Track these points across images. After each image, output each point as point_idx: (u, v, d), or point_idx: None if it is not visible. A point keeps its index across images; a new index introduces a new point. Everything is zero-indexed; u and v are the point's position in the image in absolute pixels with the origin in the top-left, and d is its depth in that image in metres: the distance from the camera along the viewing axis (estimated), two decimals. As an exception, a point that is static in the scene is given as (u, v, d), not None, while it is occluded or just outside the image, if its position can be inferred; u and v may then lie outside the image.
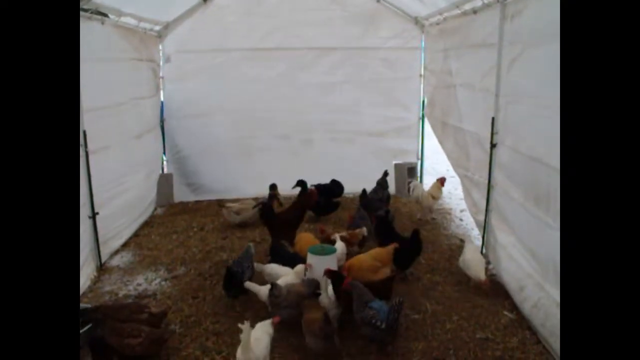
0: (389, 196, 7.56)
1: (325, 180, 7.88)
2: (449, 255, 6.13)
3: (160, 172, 8.55)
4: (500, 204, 5.35)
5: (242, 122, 8.60)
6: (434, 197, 7.48)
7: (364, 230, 5.88)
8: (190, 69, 8.32)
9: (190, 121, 8.48)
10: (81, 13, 5.17)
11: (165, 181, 8.42)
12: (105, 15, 5.94)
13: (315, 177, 7.81)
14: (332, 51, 8.55)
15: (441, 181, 7.51)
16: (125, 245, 6.54)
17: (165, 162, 8.68)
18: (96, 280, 5.49)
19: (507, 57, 5.01)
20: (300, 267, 4.87)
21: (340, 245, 5.47)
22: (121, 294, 5.21)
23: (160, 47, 8.15)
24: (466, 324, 4.55)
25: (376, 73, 8.66)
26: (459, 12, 6.29)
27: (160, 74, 8.23)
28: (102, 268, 5.77)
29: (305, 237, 5.80)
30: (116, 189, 6.34)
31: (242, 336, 3.64)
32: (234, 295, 4.83)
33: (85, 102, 5.24)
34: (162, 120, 8.41)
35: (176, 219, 7.71)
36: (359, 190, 7.53)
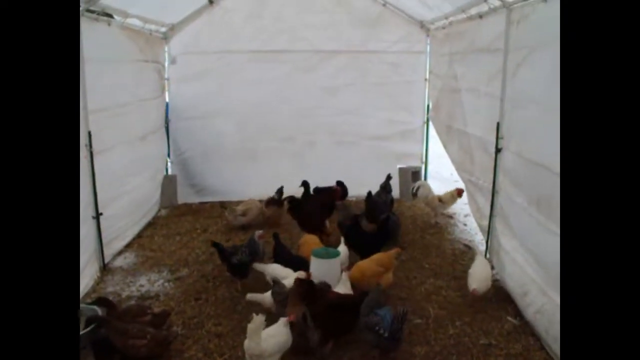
0: (392, 200, 7.55)
1: (329, 182, 7.86)
2: (452, 260, 6.11)
3: (165, 173, 8.56)
4: (505, 209, 5.33)
5: (247, 124, 8.60)
6: (441, 200, 7.43)
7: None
8: (195, 70, 8.33)
9: (194, 122, 8.50)
10: (88, 14, 5.20)
11: (169, 182, 8.43)
12: (112, 16, 5.97)
13: (319, 180, 7.82)
14: (338, 54, 8.55)
15: (459, 192, 7.31)
16: (128, 246, 6.55)
17: (169, 164, 8.69)
18: (99, 281, 5.50)
19: (513, 61, 4.99)
20: (300, 273, 4.85)
21: (343, 249, 5.47)
22: (124, 294, 5.22)
23: (166, 48, 8.18)
24: (469, 329, 4.53)
25: (381, 76, 8.65)
26: (464, 16, 6.29)
27: (166, 76, 8.25)
28: (105, 269, 5.78)
29: (310, 240, 5.79)
30: (120, 189, 6.36)
31: (250, 326, 3.65)
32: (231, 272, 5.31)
33: (91, 103, 5.27)
34: (166, 122, 8.43)
35: (180, 220, 7.72)
36: (362, 193, 7.52)
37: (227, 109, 8.51)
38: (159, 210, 8.16)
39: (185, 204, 8.48)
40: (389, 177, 7.72)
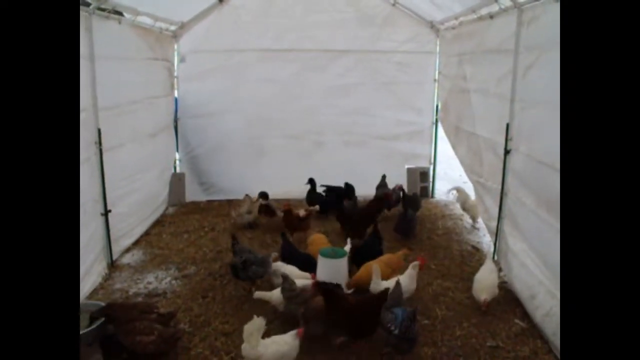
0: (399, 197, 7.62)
1: (336, 182, 7.88)
2: (460, 262, 6.08)
3: (173, 171, 8.59)
4: (513, 211, 5.30)
5: (255, 122, 8.62)
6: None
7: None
8: (204, 69, 8.36)
9: (203, 121, 8.53)
10: (99, 12, 5.23)
11: (177, 180, 8.46)
12: (122, 14, 5.99)
13: (326, 179, 7.86)
14: (346, 53, 8.53)
15: None
16: (136, 244, 6.58)
17: (178, 162, 8.72)
18: (107, 278, 5.53)
19: (523, 62, 4.96)
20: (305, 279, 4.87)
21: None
22: (131, 292, 5.24)
23: (175, 46, 8.20)
24: (476, 331, 4.51)
25: (390, 76, 8.62)
26: (475, 16, 6.25)
27: (175, 74, 8.28)
28: (113, 265, 5.81)
29: (318, 239, 5.80)
30: (129, 187, 6.39)
31: (247, 327, 3.63)
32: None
33: (101, 100, 5.29)
34: (175, 120, 8.46)
35: (188, 218, 7.74)
36: (370, 193, 7.65)
37: (236, 107, 8.52)
38: (167, 208, 8.20)
39: (193, 202, 8.51)
40: (383, 177, 7.79)
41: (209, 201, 8.59)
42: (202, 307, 4.93)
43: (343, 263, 5.06)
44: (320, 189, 7.93)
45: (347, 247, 5.49)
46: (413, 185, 8.66)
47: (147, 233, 7.01)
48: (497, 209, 5.67)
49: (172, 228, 7.30)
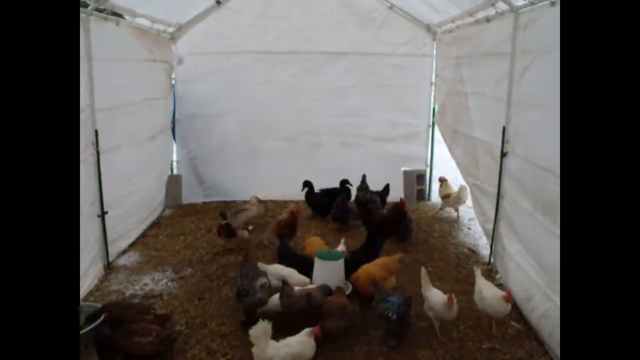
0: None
1: (333, 183, 7.87)
2: (456, 264, 6.09)
3: (170, 173, 8.58)
4: (510, 213, 5.31)
5: (252, 124, 8.62)
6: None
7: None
8: (202, 71, 8.36)
9: (200, 123, 8.53)
10: (96, 14, 5.23)
11: (174, 182, 8.45)
12: (120, 16, 5.99)
13: (323, 181, 7.86)
14: (343, 56, 8.54)
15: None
16: (132, 245, 6.57)
17: (175, 163, 8.71)
18: (103, 279, 5.52)
19: (520, 65, 4.99)
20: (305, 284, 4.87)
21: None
22: (128, 293, 5.23)
23: (173, 48, 8.20)
24: (473, 334, 4.52)
25: (386, 79, 8.63)
26: (471, 20, 6.28)
27: (173, 76, 8.28)
28: (109, 267, 5.80)
29: (314, 242, 5.81)
30: (126, 188, 6.38)
31: (252, 332, 3.63)
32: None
33: (99, 102, 5.29)
34: (173, 122, 8.45)
35: (184, 220, 7.74)
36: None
37: (233, 109, 8.52)
38: (164, 210, 8.18)
39: (190, 204, 8.50)
40: (364, 177, 7.74)
41: (204, 203, 8.58)
42: (199, 308, 4.93)
43: (339, 264, 5.06)
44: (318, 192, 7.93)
45: (340, 247, 5.50)
46: (409, 187, 8.67)
47: (143, 235, 7.00)
48: (493, 212, 5.69)
49: (169, 230, 7.29)
